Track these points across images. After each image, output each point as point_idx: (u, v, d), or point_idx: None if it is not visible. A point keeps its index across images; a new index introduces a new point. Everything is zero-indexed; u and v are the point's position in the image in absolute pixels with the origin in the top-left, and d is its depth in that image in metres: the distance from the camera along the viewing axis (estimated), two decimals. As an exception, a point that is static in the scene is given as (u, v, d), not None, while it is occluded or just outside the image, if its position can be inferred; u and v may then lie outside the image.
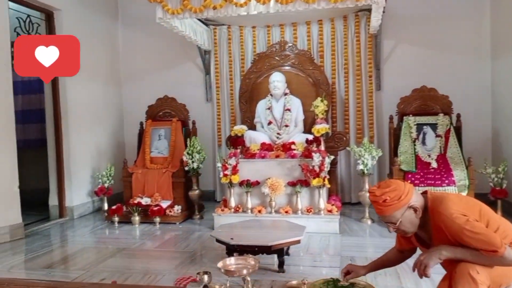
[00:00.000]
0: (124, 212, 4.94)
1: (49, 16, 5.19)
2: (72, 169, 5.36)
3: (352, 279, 2.58)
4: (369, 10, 5.05)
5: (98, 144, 5.93)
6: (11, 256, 3.78)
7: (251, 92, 5.57)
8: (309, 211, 4.39)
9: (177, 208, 4.98)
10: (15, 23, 4.88)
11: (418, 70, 5.61)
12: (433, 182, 4.50)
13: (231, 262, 2.96)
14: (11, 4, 4.65)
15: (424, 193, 2.04)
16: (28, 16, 5.02)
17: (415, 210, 1.93)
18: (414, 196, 1.95)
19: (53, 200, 5.31)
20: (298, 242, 3.27)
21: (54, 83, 5.22)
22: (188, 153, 5.04)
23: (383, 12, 4.76)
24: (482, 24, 5.58)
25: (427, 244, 2.00)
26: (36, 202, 5.51)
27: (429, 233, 1.98)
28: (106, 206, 5.27)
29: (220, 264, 2.86)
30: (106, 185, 5.36)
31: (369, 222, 4.68)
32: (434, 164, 4.63)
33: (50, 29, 5.21)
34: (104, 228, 4.82)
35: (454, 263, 1.88)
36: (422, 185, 4.48)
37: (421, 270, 1.89)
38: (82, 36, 5.50)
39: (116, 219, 4.89)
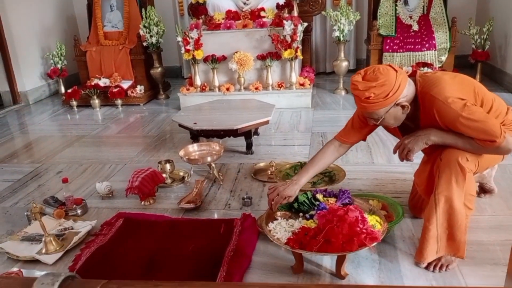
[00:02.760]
0: (82, 95, 4.56)
1: None
2: (17, 51, 4.79)
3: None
4: None
5: (43, 20, 5.22)
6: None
7: None
8: (280, 86, 4.11)
9: (140, 88, 4.62)
10: None
11: None
12: (412, 47, 4.28)
13: (194, 149, 2.78)
14: None
15: (413, 75, 1.70)
16: None
17: (402, 107, 1.61)
18: (405, 89, 1.59)
19: (3, 86, 4.85)
20: (266, 123, 3.05)
21: None
22: (144, 26, 4.49)
23: None
24: None
25: (411, 131, 1.73)
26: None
27: (417, 120, 1.70)
28: (63, 89, 4.88)
29: (181, 153, 2.67)
30: (59, 66, 4.88)
31: (343, 93, 4.46)
32: (416, 27, 4.32)
33: None
34: (62, 114, 4.48)
35: (440, 148, 1.67)
36: (401, 50, 4.29)
37: (404, 154, 1.69)
38: None
39: (75, 103, 4.54)
